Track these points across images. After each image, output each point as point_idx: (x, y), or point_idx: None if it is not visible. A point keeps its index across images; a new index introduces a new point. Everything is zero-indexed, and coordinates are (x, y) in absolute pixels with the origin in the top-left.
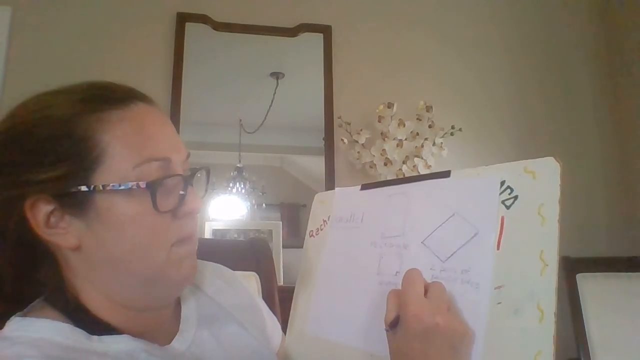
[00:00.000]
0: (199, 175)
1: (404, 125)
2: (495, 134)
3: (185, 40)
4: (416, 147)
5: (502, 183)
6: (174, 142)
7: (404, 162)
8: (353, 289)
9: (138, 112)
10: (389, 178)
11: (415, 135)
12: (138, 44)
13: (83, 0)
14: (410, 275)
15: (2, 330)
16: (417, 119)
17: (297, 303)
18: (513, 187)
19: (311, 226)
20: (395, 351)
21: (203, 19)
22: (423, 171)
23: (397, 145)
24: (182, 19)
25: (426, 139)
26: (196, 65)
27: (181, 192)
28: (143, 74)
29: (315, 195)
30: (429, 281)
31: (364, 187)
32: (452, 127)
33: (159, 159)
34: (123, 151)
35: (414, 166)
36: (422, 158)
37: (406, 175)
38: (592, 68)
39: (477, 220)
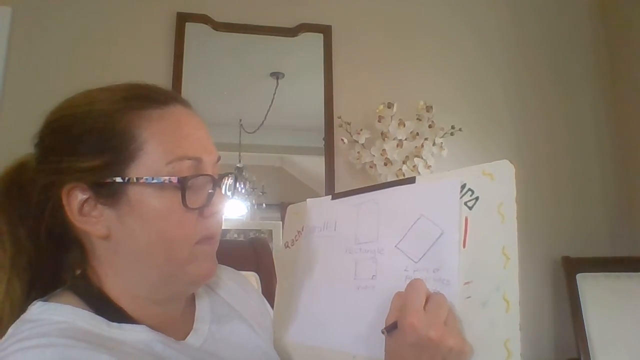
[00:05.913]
0: (226, 179)
1: (404, 125)
2: (495, 134)
3: (185, 40)
4: (416, 147)
5: (463, 186)
6: (206, 144)
7: (404, 162)
8: (331, 295)
9: (176, 113)
10: (389, 178)
11: (415, 135)
12: (138, 44)
13: (83, 0)
14: (414, 285)
15: (25, 314)
16: (417, 119)
17: (277, 312)
18: (474, 189)
19: (286, 237)
20: (390, 353)
21: (203, 19)
22: (423, 171)
23: (397, 145)
24: (182, 19)
25: (426, 139)
26: (196, 65)
27: (210, 191)
28: (143, 73)
29: (288, 208)
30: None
31: (335, 196)
32: (452, 127)
33: (191, 157)
34: (159, 147)
35: (414, 166)
36: (422, 158)
37: (406, 176)
38: (591, 68)
39: (442, 221)
